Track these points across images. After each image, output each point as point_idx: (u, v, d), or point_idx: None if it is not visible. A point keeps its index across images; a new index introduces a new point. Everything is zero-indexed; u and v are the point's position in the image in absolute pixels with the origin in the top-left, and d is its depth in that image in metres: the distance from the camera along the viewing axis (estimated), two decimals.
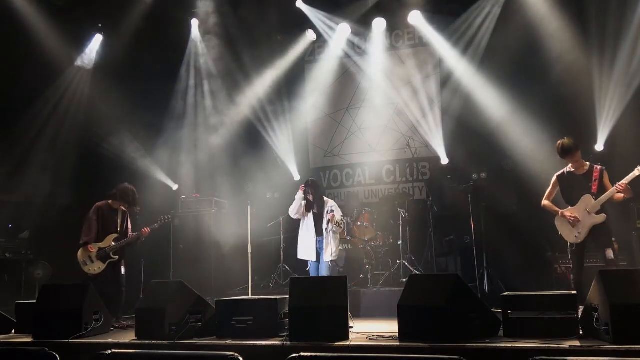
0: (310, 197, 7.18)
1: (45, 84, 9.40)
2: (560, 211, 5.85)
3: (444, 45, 9.17)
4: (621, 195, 5.58)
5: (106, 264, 6.61)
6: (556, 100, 8.13)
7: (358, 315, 6.45)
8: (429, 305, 4.57)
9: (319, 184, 7.92)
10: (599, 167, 5.79)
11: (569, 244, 5.89)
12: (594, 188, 5.69)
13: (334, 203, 7.29)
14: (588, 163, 5.85)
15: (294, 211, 7.28)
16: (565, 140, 5.79)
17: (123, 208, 6.90)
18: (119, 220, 6.82)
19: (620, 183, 5.53)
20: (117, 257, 6.66)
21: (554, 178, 6.00)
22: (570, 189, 5.85)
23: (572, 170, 5.88)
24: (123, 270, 6.75)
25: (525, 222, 7.98)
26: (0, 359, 4.58)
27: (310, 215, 7.20)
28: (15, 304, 6.21)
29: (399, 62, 9.81)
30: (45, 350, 4.23)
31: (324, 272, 6.98)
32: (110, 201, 6.86)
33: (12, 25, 8.70)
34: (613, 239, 6.98)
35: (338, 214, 7.09)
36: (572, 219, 5.73)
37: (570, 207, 5.81)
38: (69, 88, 9.70)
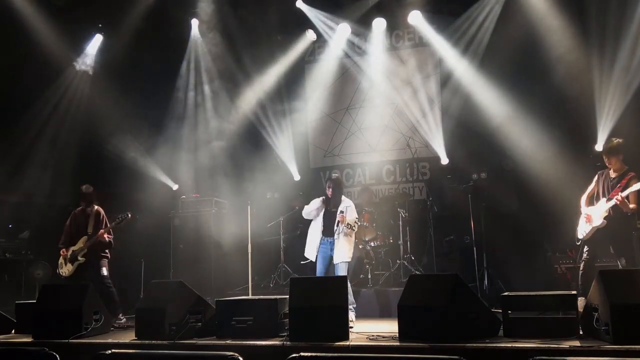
0: (329, 193, 6.76)
1: (45, 84, 9.41)
2: (583, 208, 6.04)
3: (444, 45, 9.16)
4: (632, 206, 5.61)
5: (74, 265, 6.73)
6: (556, 100, 8.13)
7: (358, 315, 6.45)
8: (429, 305, 4.57)
9: (342, 184, 7.29)
10: (630, 174, 5.80)
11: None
12: (614, 193, 5.75)
13: (350, 203, 6.83)
14: (626, 167, 5.90)
15: (305, 212, 6.91)
16: (606, 144, 6.06)
17: (97, 209, 6.96)
18: (90, 222, 6.87)
19: (619, 195, 5.58)
20: (83, 259, 6.73)
21: (596, 176, 6.13)
22: (600, 189, 6.00)
23: (609, 171, 5.99)
24: (104, 271, 6.77)
25: (525, 222, 7.98)
26: (0, 359, 4.58)
27: (322, 213, 6.78)
28: (15, 304, 6.22)
29: (399, 62, 9.81)
30: (45, 350, 4.24)
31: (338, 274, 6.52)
32: (82, 205, 7.02)
33: (12, 25, 8.70)
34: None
35: (352, 215, 6.66)
36: (588, 217, 5.89)
37: (591, 207, 5.98)
38: (69, 88, 9.70)
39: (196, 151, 9.83)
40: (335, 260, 6.53)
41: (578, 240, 6.04)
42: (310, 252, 6.77)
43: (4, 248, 8.70)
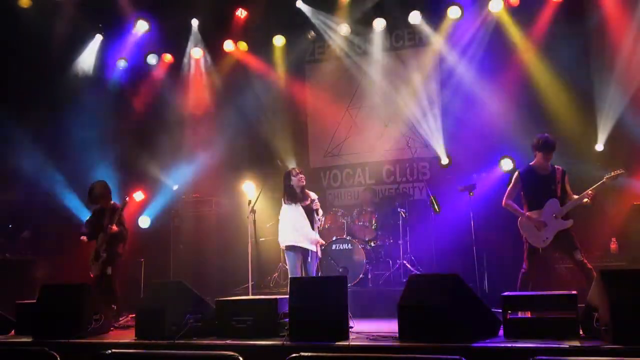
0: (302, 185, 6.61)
1: (46, 84, 9.40)
2: (527, 214, 5.72)
3: (444, 45, 9.17)
4: (587, 200, 5.51)
5: (99, 262, 6.80)
6: (556, 99, 8.13)
7: (358, 315, 6.45)
8: (429, 305, 4.57)
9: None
10: (560, 168, 5.69)
11: (527, 245, 5.76)
12: (559, 191, 5.61)
13: (315, 196, 6.75)
14: (549, 163, 5.73)
15: None
16: (549, 136, 5.70)
17: (110, 206, 7.02)
18: (104, 220, 6.93)
19: (590, 190, 5.49)
20: (105, 254, 6.79)
21: (517, 175, 5.85)
22: (534, 190, 5.73)
23: (535, 169, 5.74)
24: (109, 270, 6.80)
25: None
26: (0, 359, 4.58)
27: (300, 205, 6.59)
28: (15, 304, 6.22)
29: (399, 62, 9.80)
30: (45, 350, 4.24)
31: (315, 269, 6.57)
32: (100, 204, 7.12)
33: (11, 25, 8.72)
34: (613, 239, 7.00)
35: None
36: (539, 223, 5.62)
37: (534, 210, 5.69)
38: (69, 88, 9.70)
39: (196, 151, 9.83)
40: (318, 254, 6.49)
41: (539, 251, 5.67)
42: (307, 242, 6.47)
43: (4, 248, 8.70)
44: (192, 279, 6.66)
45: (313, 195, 6.66)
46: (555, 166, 5.72)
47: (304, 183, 6.62)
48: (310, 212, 6.56)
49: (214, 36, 10.04)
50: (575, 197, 5.65)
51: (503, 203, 5.90)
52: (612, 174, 5.51)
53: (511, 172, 8.26)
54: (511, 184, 5.89)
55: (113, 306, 6.58)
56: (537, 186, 5.72)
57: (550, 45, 8.29)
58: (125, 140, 9.61)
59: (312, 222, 6.54)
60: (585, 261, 5.50)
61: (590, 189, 5.51)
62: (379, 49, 9.75)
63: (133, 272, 8.53)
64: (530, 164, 5.87)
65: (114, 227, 6.78)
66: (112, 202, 7.07)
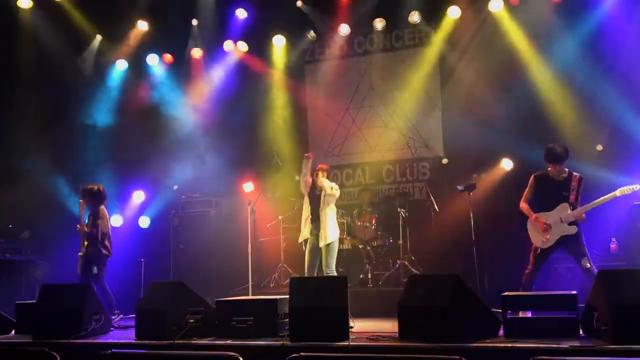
0: (318, 180, 6.91)
1: (46, 84, 9.40)
2: (535, 216, 5.77)
3: (444, 45, 9.17)
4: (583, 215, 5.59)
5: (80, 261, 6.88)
6: (556, 99, 8.13)
7: (358, 315, 6.44)
8: (429, 305, 4.57)
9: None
10: (577, 175, 5.72)
11: (533, 246, 5.83)
12: (572, 198, 5.65)
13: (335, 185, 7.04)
14: (567, 169, 5.77)
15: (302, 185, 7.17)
16: (558, 147, 5.71)
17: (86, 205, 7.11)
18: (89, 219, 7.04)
19: (599, 200, 5.56)
20: (81, 253, 6.86)
21: (532, 179, 5.92)
22: (547, 194, 5.78)
23: (550, 173, 5.79)
24: (95, 270, 6.82)
25: (525, 221, 7.96)
26: (0, 359, 4.59)
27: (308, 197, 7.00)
28: (15, 304, 6.22)
29: (399, 62, 9.80)
30: (45, 350, 4.24)
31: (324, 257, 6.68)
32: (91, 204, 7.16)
33: (12, 26, 8.72)
34: (613, 239, 7.01)
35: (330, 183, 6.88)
36: (544, 226, 5.67)
37: (543, 213, 5.74)
38: (69, 88, 9.70)
39: (196, 151, 9.83)
40: (320, 244, 6.63)
41: (537, 249, 5.76)
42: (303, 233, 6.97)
43: (4, 248, 8.70)
44: (192, 279, 6.64)
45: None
46: (574, 173, 5.74)
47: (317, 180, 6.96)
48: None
49: (214, 36, 10.03)
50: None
51: (520, 205, 5.97)
52: (626, 188, 5.55)
53: (511, 172, 8.41)
54: (527, 188, 5.99)
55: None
56: (549, 190, 5.79)
57: (550, 45, 8.28)
58: (125, 140, 9.59)
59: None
60: (593, 268, 5.51)
61: (600, 199, 5.56)
62: (379, 49, 9.75)
63: (133, 272, 8.53)
64: (548, 169, 5.91)
65: (84, 228, 6.84)
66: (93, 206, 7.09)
